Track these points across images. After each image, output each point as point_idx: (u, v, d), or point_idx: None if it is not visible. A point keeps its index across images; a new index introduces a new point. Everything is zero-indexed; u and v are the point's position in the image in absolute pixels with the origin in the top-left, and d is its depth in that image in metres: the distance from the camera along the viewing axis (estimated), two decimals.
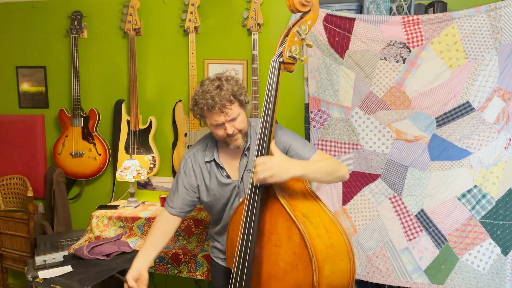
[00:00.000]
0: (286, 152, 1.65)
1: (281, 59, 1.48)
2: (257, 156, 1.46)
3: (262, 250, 1.49)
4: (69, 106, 2.99)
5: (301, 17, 1.49)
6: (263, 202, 1.50)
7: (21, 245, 2.97)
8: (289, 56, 1.47)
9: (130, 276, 1.56)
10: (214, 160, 1.68)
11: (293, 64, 1.51)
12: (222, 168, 1.68)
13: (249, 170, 1.64)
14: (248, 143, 1.65)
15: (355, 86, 2.17)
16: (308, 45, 1.52)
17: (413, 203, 2.15)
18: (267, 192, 1.50)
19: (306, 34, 1.48)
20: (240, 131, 1.58)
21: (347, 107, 2.21)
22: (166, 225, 1.72)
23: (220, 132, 1.58)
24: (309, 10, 1.48)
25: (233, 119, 1.55)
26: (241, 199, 1.63)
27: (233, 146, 1.60)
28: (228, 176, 1.68)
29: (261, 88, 2.50)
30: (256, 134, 1.55)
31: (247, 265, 1.46)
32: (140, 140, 2.83)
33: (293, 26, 1.49)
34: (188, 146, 2.70)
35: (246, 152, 1.65)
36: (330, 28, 2.15)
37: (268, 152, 1.47)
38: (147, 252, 1.65)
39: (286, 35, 1.50)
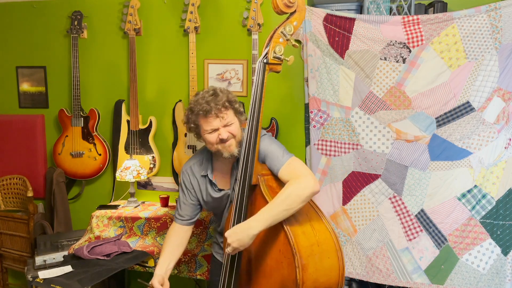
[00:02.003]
0: (264, 160, 1.64)
1: (265, 60, 1.49)
2: (243, 162, 1.50)
3: (251, 247, 1.51)
4: (69, 106, 2.99)
5: (287, 18, 1.50)
6: (251, 201, 1.53)
7: (21, 245, 2.97)
8: (274, 57, 1.48)
9: (156, 281, 1.65)
10: (207, 175, 1.72)
11: (279, 64, 1.52)
12: (214, 184, 1.71)
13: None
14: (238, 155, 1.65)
15: (355, 86, 2.17)
16: (294, 46, 1.53)
17: (413, 203, 2.15)
18: (254, 191, 1.53)
19: (291, 35, 1.49)
20: (234, 137, 1.59)
21: (347, 107, 2.21)
22: (179, 236, 1.78)
23: (213, 139, 1.58)
24: (295, 11, 1.49)
25: (228, 125, 1.56)
26: None
27: (227, 152, 1.59)
28: (220, 189, 1.72)
29: None
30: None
31: (237, 257, 1.52)
32: (140, 140, 2.83)
33: (278, 27, 1.50)
34: (188, 146, 2.70)
35: (235, 164, 1.68)
36: (330, 28, 2.15)
37: (254, 152, 1.50)
38: (166, 260, 1.72)
39: (272, 36, 1.51)
